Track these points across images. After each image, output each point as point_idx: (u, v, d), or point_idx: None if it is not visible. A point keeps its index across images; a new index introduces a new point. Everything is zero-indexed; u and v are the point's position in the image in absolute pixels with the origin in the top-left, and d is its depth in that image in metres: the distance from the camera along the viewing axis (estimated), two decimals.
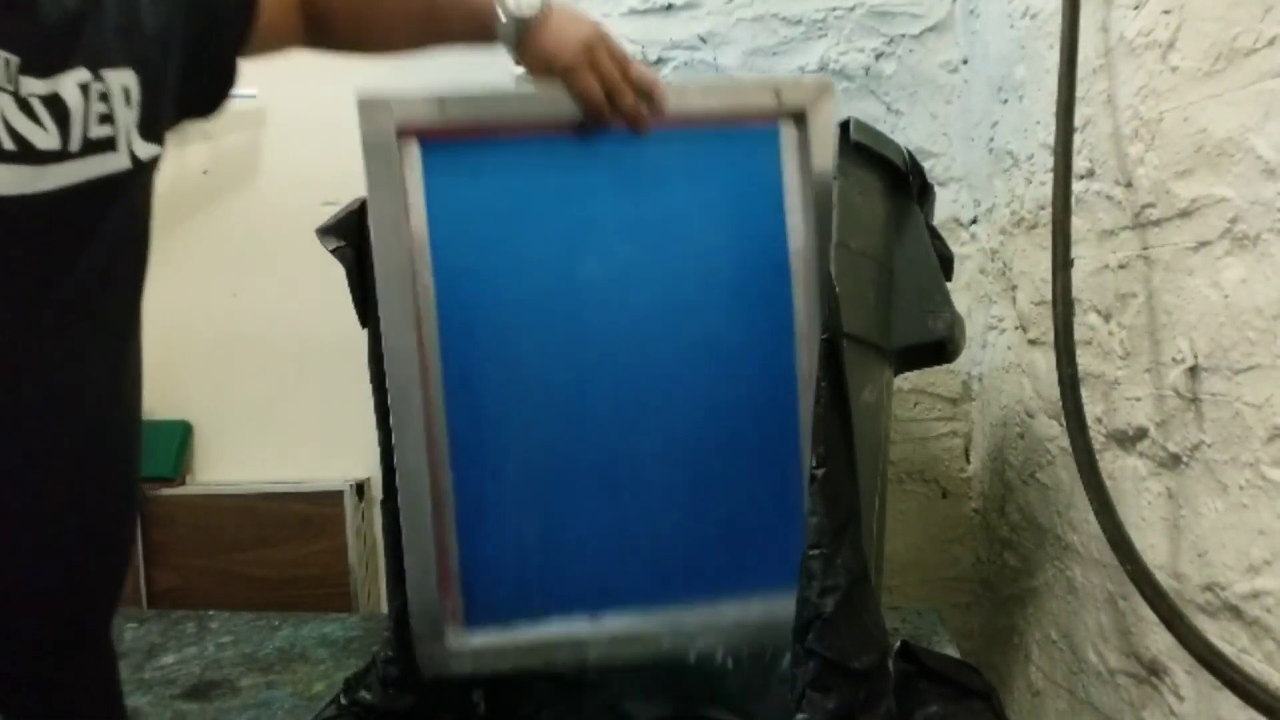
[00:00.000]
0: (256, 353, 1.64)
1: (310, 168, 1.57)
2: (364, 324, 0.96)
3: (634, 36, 1.44)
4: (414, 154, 0.86)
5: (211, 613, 1.39)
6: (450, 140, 0.87)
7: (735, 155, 0.89)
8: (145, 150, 0.61)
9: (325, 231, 0.92)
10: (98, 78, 0.57)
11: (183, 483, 1.65)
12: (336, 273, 0.93)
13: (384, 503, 0.95)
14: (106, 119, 0.57)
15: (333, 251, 0.92)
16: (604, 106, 0.82)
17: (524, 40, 0.80)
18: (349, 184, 1.04)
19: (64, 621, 0.65)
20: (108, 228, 0.60)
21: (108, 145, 0.58)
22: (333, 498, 1.56)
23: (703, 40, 1.43)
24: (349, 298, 0.94)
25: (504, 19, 0.79)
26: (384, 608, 1.58)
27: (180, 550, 1.59)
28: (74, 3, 0.56)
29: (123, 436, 0.67)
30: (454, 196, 0.87)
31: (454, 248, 0.86)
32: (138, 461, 0.70)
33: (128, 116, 0.59)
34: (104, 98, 0.57)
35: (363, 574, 1.57)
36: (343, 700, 0.96)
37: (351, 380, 1.04)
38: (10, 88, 0.52)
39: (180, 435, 1.64)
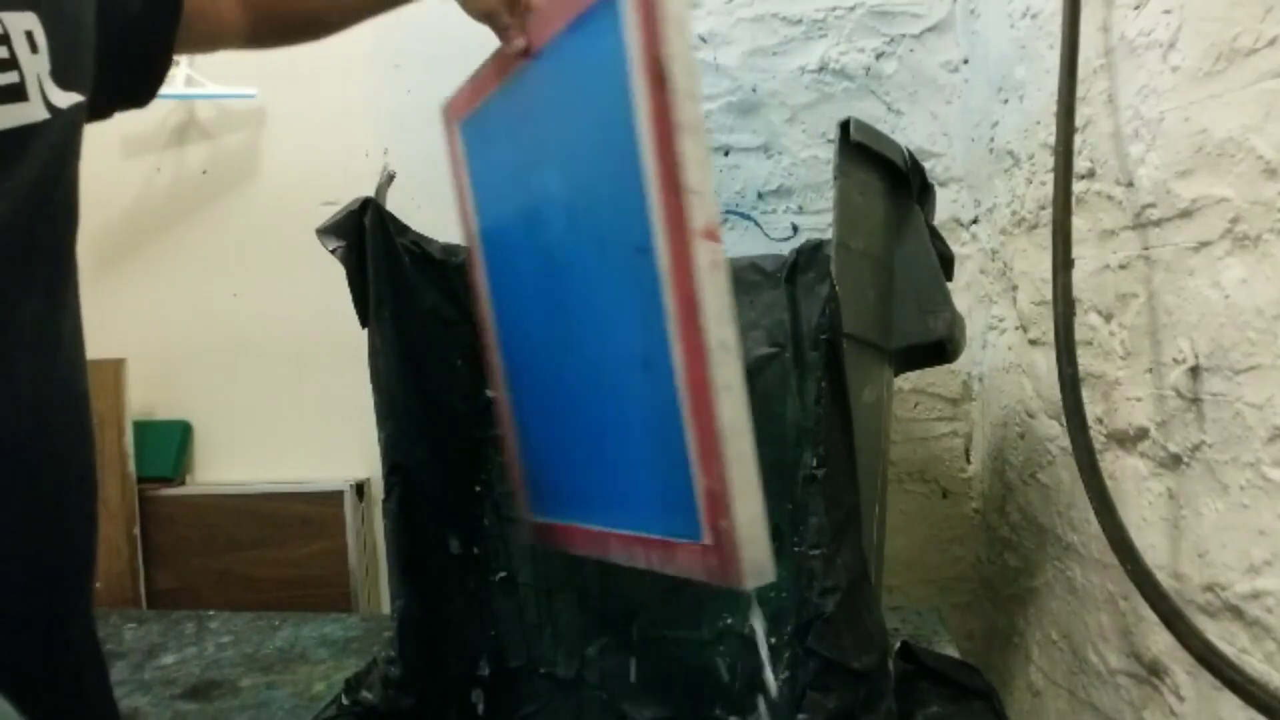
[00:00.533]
0: (256, 353, 1.64)
1: (310, 168, 1.57)
2: (364, 324, 0.96)
3: None
4: (458, 137, 0.93)
5: (211, 613, 1.39)
6: (470, 115, 0.91)
7: (588, 45, 0.75)
8: (64, 99, 0.56)
9: (325, 231, 0.92)
10: None
11: (183, 483, 1.65)
12: (336, 273, 0.93)
13: (385, 503, 0.95)
14: (8, 65, 0.52)
15: (333, 251, 0.92)
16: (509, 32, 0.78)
17: None
18: (349, 184, 1.04)
19: (32, 600, 0.58)
20: (23, 182, 0.54)
21: (15, 94, 0.52)
22: (333, 498, 1.56)
23: (703, 40, 1.43)
24: (349, 298, 0.94)
25: None
26: (384, 608, 1.58)
27: (180, 550, 1.59)
28: None
29: (63, 412, 0.60)
30: (475, 165, 0.93)
31: (481, 216, 0.95)
32: (88, 440, 0.63)
33: (36, 63, 0.54)
34: (3, 40, 0.52)
35: (363, 574, 1.57)
36: (344, 700, 0.96)
37: (351, 380, 1.04)
38: None
39: (180, 435, 1.64)
